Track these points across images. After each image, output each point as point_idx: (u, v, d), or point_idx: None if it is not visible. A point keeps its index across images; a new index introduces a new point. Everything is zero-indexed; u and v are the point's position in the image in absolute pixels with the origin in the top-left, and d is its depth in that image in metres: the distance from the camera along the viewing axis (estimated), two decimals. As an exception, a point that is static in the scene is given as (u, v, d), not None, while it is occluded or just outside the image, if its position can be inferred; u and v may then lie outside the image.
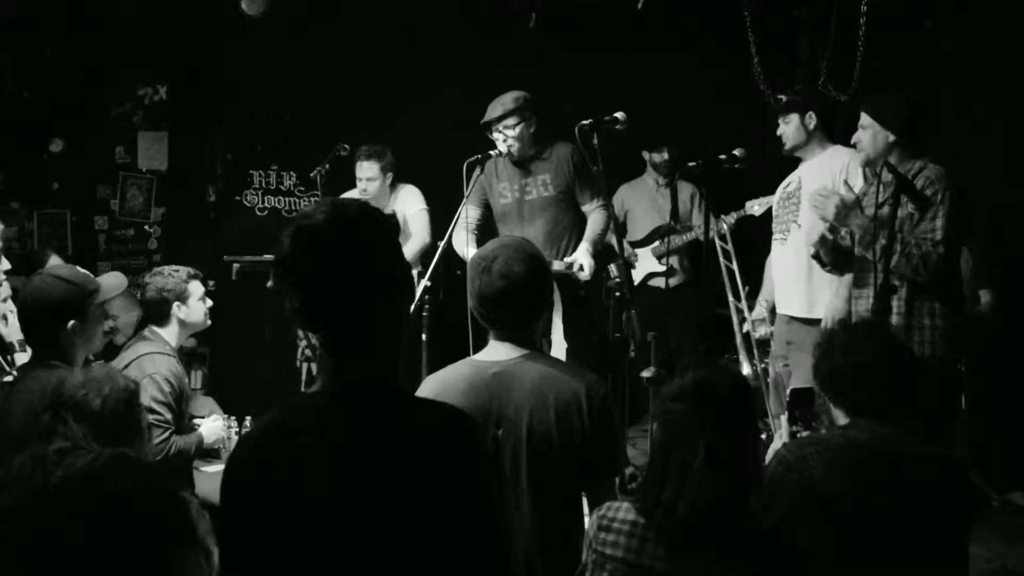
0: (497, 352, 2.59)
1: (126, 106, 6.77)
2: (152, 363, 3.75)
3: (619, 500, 2.29)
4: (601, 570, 2.20)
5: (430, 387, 2.58)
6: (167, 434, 3.71)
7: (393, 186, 5.82)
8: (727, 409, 2.17)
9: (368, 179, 5.67)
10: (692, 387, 2.20)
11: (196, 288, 3.97)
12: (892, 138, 3.86)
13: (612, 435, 2.59)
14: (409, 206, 5.76)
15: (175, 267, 4.01)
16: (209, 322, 4.05)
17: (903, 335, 3.62)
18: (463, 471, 1.61)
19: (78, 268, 3.37)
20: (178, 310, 3.91)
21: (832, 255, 3.97)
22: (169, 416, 3.73)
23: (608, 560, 2.19)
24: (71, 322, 3.17)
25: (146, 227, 6.90)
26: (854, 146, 3.98)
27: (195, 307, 3.98)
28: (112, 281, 3.52)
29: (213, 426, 4.09)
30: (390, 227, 1.74)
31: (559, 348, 4.65)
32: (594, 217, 4.81)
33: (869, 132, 3.91)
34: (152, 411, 3.64)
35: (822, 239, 3.97)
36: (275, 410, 1.66)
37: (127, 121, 6.80)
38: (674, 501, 2.12)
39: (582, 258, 4.61)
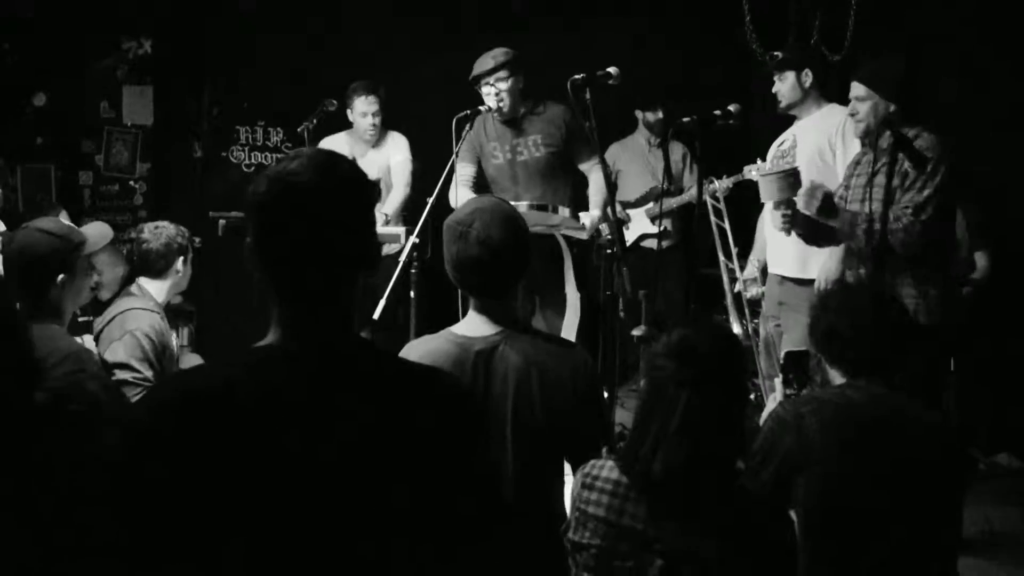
0: (479, 327, 2.50)
1: (110, 59, 6.67)
2: (135, 319, 3.69)
3: (604, 460, 2.26)
4: (584, 528, 2.18)
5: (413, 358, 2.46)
6: (141, 391, 3.64)
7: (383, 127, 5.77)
8: (709, 369, 2.12)
9: (373, 113, 5.63)
10: (676, 345, 2.16)
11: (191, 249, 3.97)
12: (892, 107, 3.82)
13: (598, 413, 2.58)
14: (395, 153, 5.71)
15: (167, 224, 3.97)
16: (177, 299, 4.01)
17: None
18: (456, 436, 1.55)
19: (62, 220, 3.31)
20: (181, 264, 3.89)
21: (804, 227, 3.93)
22: (149, 373, 3.65)
23: (590, 519, 2.17)
24: (60, 276, 3.12)
25: (131, 182, 6.82)
26: (853, 116, 3.93)
27: (189, 267, 3.96)
28: (97, 232, 3.45)
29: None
30: (372, 198, 1.66)
31: (573, 300, 4.64)
32: (595, 177, 4.78)
33: (868, 103, 3.85)
34: (131, 368, 3.60)
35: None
36: (224, 364, 1.58)
37: (111, 75, 6.69)
38: (650, 459, 2.10)
39: (591, 219, 4.61)
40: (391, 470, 1.48)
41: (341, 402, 1.49)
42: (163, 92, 6.77)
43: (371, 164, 5.55)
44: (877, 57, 4.07)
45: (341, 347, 1.56)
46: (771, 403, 2.95)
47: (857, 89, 3.89)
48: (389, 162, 5.68)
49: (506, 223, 2.45)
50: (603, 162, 4.59)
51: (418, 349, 2.51)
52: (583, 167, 4.81)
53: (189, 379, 1.59)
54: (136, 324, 3.67)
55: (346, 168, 1.58)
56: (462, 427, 1.58)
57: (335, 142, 5.71)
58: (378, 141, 5.77)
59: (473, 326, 2.50)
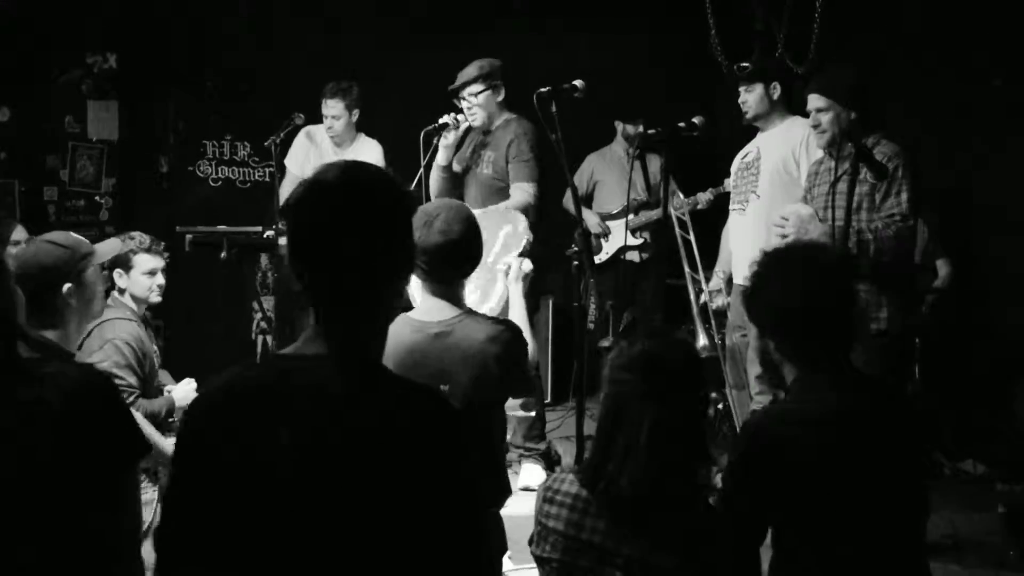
0: (434, 311, 2.82)
1: (74, 74, 6.62)
2: (112, 328, 3.72)
3: (565, 473, 2.24)
4: (544, 542, 2.17)
5: None
6: (131, 398, 3.66)
7: (358, 129, 5.71)
8: (676, 383, 2.10)
9: (333, 117, 5.56)
10: (640, 358, 2.13)
11: (143, 260, 3.92)
12: (854, 115, 3.87)
13: (522, 368, 2.91)
14: (369, 161, 5.61)
15: (137, 234, 3.98)
16: (155, 299, 3.98)
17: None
18: (445, 460, 1.55)
19: (71, 233, 3.31)
20: (119, 278, 3.88)
21: None
22: (132, 380, 3.69)
23: (551, 533, 2.16)
24: (67, 286, 3.10)
25: (97, 197, 6.75)
26: (815, 127, 3.97)
27: (136, 279, 3.93)
28: (108, 245, 3.46)
29: (186, 389, 4.00)
30: (410, 203, 1.71)
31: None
32: (513, 196, 4.75)
33: (829, 114, 3.90)
34: (114, 376, 3.59)
35: None
36: (246, 367, 1.64)
37: (75, 89, 6.64)
38: (617, 476, 2.08)
39: None
40: (387, 483, 1.50)
41: (331, 417, 1.51)
42: (128, 106, 6.73)
43: None
44: (827, 69, 4.14)
45: (347, 360, 1.59)
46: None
47: (816, 101, 3.94)
48: None
49: (466, 220, 2.81)
50: (535, 194, 4.71)
51: None
52: (512, 185, 4.79)
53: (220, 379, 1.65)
54: (114, 333, 3.69)
55: (374, 173, 1.68)
56: (442, 456, 1.56)
57: (299, 141, 5.74)
58: (346, 144, 5.67)
59: (432, 311, 2.83)
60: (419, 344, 2.76)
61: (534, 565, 2.24)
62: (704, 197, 5.49)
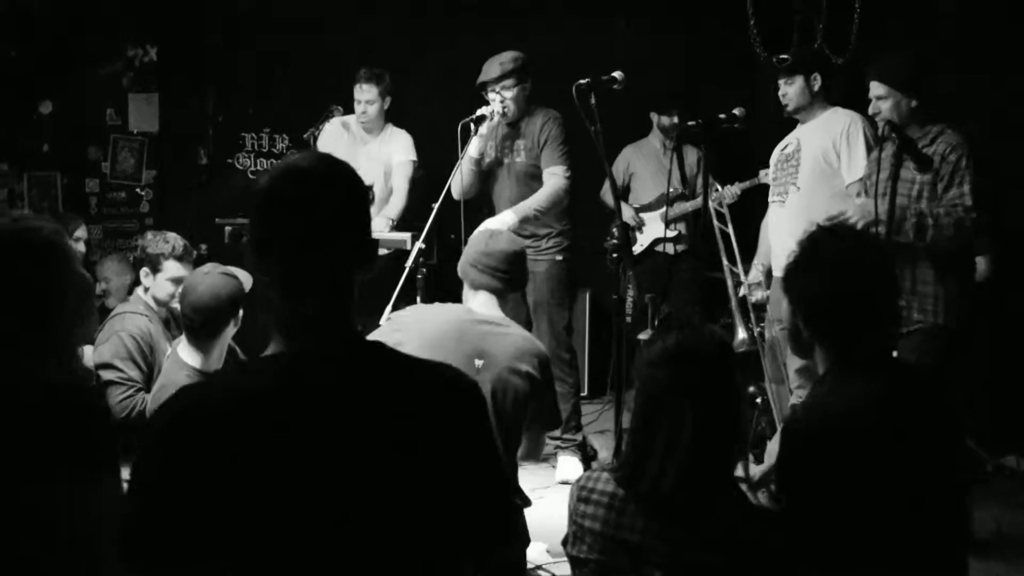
0: (484, 309, 3.20)
1: (116, 66, 6.68)
2: (121, 321, 3.82)
3: (599, 471, 2.21)
4: (581, 543, 2.14)
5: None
6: (131, 391, 3.69)
7: (387, 120, 5.66)
8: (712, 376, 2.07)
9: (367, 101, 5.51)
10: (675, 352, 2.09)
11: (171, 267, 3.95)
12: (915, 103, 3.83)
13: (553, 399, 3.32)
14: (397, 152, 5.53)
15: (172, 238, 4.00)
16: (175, 304, 3.91)
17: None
18: (467, 436, 1.58)
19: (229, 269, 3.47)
20: (145, 276, 3.92)
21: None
22: (133, 374, 3.71)
23: (587, 533, 2.12)
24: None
25: (137, 189, 6.83)
26: (872, 117, 3.93)
27: (160, 283, 3.98)
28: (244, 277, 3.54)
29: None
30: (367, 195, 1.68)
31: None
32: (547, 185, 4.83)
33: (890, 101, 3.87)
34: (114, 367, 3.65)
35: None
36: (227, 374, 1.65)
37: (117, 82, 6.71)
38: (659, 474, 2.04)
39: (494, 222, 4.62)
40: (409, 466, 1.51)
41: (361, 401, 1.51)
42: (168, 99, 6.78)
43: (370, 158, 5.45)
44: (886, 54, 4.07)
45: (349, 346, 1.58)
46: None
47: (876, 88, 3.90)
48: (391, 160, 5.58)
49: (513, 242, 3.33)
50: (568, 176, 4.78)
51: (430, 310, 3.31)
52: (544, 171, 4.86)
53: (206, 389, 1.63)
54: (122, 326, 3.75)
55: (342, 163, 1.62)
56: (471, 420, 1.61)
57: (332, 128, 5.68)
58: (378, 133, 5.63)
59: (481, 305, 3.22)
60: (465, 325, 3.09)
61: (569, 563, 2.22)
62: (731, 191, 5.45)
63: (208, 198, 6.61)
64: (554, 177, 4.82)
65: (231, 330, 3.40)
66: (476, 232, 3.00)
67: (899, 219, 3.65)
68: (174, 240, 4.00)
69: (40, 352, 1.93)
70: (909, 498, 2.17)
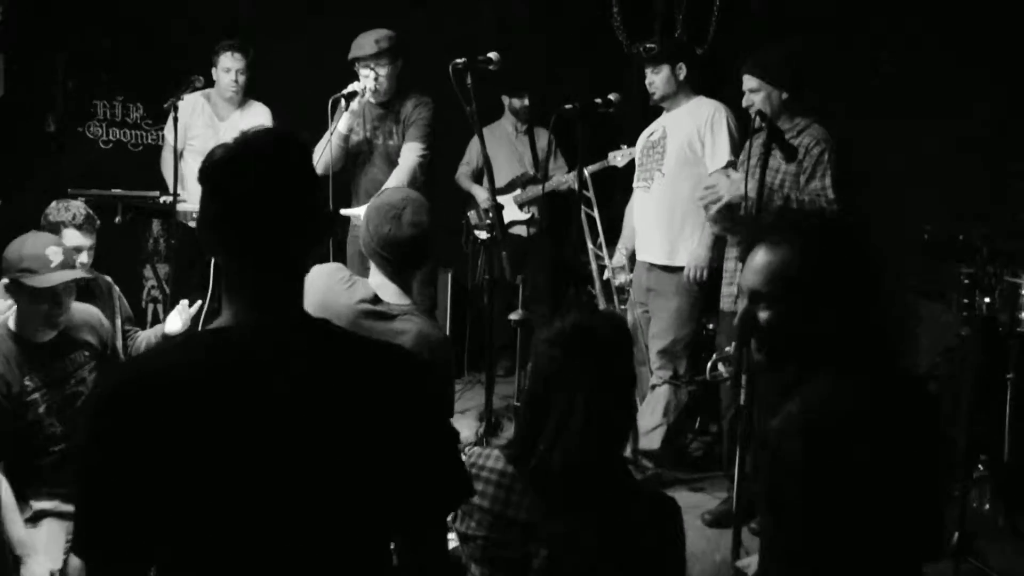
0: (384, 292, 2.80)
1: (-44, 24, 6.31)
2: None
3: (489, 449, 2.22)
4: (469, 519, 2.15)
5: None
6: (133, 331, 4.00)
7: (245, 97, 5.57)
8: (607, 358, 2.09)
9: (238, 71, 5.43)
10: (571, 332, 2.10)
11: (70, 235, 3.81)
12: (786, 95, 3.97)
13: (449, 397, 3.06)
14: (256, 123, 5.42)
15: (75, 206, 3.91)
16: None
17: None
18: (414, 409, 1.59)
19: None
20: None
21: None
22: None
23: (475, 510, 2.13)
24: None
25: (-20, 157, 6.47)
26: (748, 108, 4.05)
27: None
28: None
29: (175, 319, 3.98)
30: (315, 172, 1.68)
31: None
32: (400, 164, 4.88)
33: (761, 94, 3.99)
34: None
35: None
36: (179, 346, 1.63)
37: (-43, 42, 6.33)
38: (548, 453, 2.05)
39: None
40: (359, 442, 1.52)
41: (307, 376, 1.50)
42: (14, 61, 6.43)
43: (232, 131, 5.33)
44: (760, 48, 4.20)
45: (300, 322, 1.58)
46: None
47: (749, 81, 4.02)
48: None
49: (430, 211, 2.82)
50: (424, 154, 4.87)
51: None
52: (403, 145, 4.91)
53: (144, 363, 1.64)
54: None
55: (293, 139, 1.61)
56: (425, 399, 1.62)
57: (192, 100, 5.48)
58: (239, 106, 5.55)
59: (379, 287, 2.81)
60: (358, 317, 2.72)
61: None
62: (622, 155, 5.39)
63: (59, 167, 6.32)
64: (410, 153, 4.86)
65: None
66: (372, 207, 2.83)
67: (766, 199, 3.81)
68: (76, 208, 3.87)
69: None
70: (900, 499, 1.90)
